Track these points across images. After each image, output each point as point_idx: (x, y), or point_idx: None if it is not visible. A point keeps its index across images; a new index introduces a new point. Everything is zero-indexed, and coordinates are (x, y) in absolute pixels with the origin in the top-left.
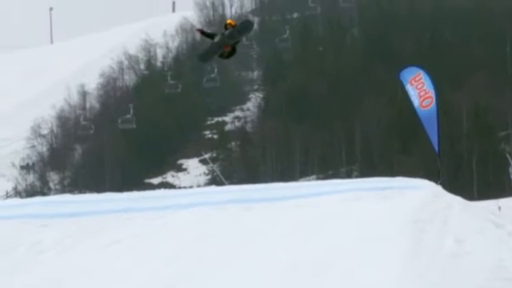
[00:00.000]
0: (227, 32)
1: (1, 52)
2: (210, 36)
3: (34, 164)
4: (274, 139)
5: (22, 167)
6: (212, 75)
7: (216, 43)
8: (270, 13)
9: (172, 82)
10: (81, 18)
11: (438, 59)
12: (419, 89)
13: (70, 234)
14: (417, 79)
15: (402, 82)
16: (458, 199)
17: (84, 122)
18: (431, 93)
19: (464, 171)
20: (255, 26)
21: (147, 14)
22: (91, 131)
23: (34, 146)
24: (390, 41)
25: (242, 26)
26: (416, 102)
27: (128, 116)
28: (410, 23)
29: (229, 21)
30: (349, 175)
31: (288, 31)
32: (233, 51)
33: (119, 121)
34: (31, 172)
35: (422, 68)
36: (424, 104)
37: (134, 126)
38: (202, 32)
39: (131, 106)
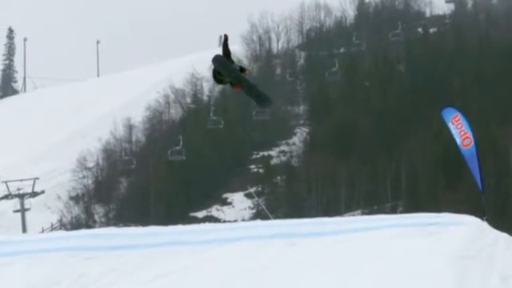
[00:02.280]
0: (250, 82)
1: (48, 85)
2: (228, 52)
3: (83, 195)
4: (320, 174)
5: (71, 198)
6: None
7: (234, 74)
8: (316, 48)
9: (214, 117)
10: (127, 51)
11: (485, 95)
12: (459, 128)
13: (114, 268)
14: (456, 119)
15: (444, 121)
16: (504, 236)
17: (126, 157)
18: (469, 134)
19: (510, 207)
20: (301, 61)
21: (194, 48)
22: (133, 166)
23: (84, 177)
24: (436, 77)
25: (261, 98)
26: (458, 140)
27: (178, 148)
28: (456, 59)
29: (248, 70)
30: (394, 210)
31: (337, 64)
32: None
33: (169, 152)
34: (80, 203)
35: (458, 110)
36: (465, 143)
37: (184, 157)
38: (227, 41)
39: (181, 137)
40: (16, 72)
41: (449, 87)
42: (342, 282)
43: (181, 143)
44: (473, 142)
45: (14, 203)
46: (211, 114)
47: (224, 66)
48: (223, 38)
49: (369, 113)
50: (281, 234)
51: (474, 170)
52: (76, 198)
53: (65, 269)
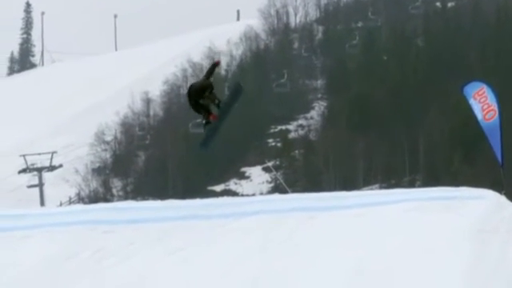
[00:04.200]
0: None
1: (66, 59)
2: (209, 77)
3: (105, 167)
4: (337, 148)
5: (93, 170)
6: (282, 80)
7: (229, 108)
8: (334, 22)
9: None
10: (145, 25)
11: (503, 69)
12: (482, 102)
13: (132, 241)
14: (480, 93)
15: (465, 97)
16: None
17: (140, 133)
18: (494, 105)
19: None
20: (319, 35)
21: (211, 22)
22: (147, 142)
23: (105, 150)
24: (454, 51)
25: (209, 141)
26: (479, 115)
27: (198, 120)
28: (474, 33)
29: (212, 116)
30: (412, 184)
31: (358, 37)
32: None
33: (190, 125)
34: (102, 175)
35: (484, 82)
36: (487, 117)
37: (203, 131)
38: (215, 67)
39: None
40: (34, 46)
41: (467, 60)
42: (360, 255)
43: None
44: (497, 114)
45: (29, 178)
46: (226, 90)
47: (238, 96)
48: (214, 62)
49: (387, 86)
50: (299, 207)
51: (495, 144)
52: (98, 170)
53: (83, 242)
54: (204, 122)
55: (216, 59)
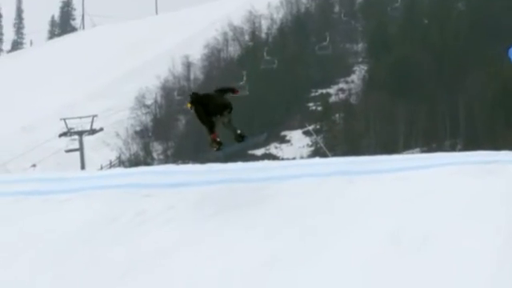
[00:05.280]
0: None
1: (106, 23)
2: (226, 92)
3: (146, 131)
4: (378, 112)
5: (134, 133)
6: (324, 43)
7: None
8: None
9: (268, 57)
10: None
11: None
12: None
13: (173, 205)
14: None
15: (509, 59)
16: None
17: (178, 97)
18: None
19: None
20: None
21: None
22: (184, 107)
23: (146, 114)
24: (496, 15)
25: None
26: None
27: (241, 83)
28: None
29: (214, 135)
30: (453, 148)
31: (399, 0)
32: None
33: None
34: (143, 139)
35: None
36: None
37: (247, 92)
38: (229, 91)
39: (244, 73)
40: (74, 10)
41: (509, 24)
42: (399, 219)
43: (244, 78)
44: None
45: (68, 142)
46: (265, 54)
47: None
48: (234, 89)
49: (427, 50)
50: (339, 171)
51: None
52: (139, 134)
53: (123, 206)
54: (218, 139)
55: (236, 89)
